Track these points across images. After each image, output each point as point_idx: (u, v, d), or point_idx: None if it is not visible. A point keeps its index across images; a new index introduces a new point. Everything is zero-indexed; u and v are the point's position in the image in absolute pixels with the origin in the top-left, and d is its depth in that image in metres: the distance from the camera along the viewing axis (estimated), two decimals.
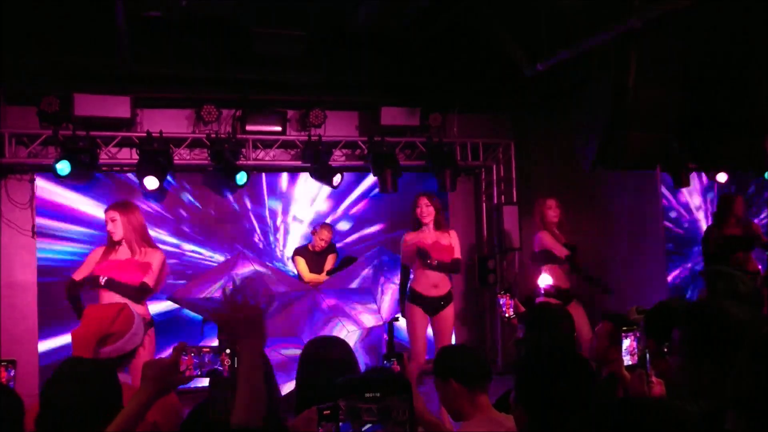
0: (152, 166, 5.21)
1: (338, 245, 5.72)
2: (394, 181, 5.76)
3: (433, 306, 4.74)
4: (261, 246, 6.03)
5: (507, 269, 6.54)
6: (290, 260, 5.72)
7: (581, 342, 4.52)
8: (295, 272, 5.48)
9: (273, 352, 4.67)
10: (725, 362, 1.59)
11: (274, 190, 6.13)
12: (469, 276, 6.64)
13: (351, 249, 6.02)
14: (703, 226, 6.09)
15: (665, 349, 1.91)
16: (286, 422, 1.88)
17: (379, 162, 5.80)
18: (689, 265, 6.19)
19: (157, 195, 5.56)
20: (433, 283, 4.70)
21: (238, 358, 1.46)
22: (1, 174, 5.36)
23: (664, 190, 5.77)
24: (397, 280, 4.95)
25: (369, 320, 5.01)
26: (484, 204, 6.69)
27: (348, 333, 4.89)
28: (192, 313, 4.99)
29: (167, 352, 1.69)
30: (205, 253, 5.87)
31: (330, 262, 5.41)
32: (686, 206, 6.33)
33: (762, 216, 6.13)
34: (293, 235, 6.12)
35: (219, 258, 5.74)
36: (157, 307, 4.92)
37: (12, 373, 2.21)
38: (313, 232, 5.49)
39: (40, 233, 5.40)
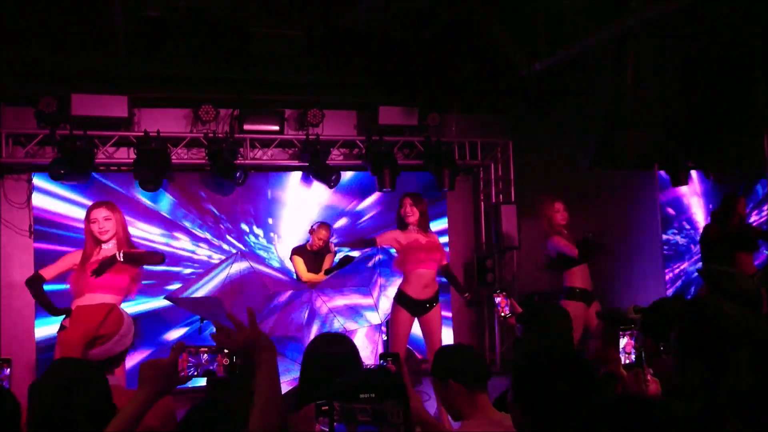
0: (149, 166, 5.20)
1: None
2: (392, 180, 5.76)
3: (421, 307, 4.71)
4: (260, 245, 6.03)
5: (505, 268, 6.54)
6: (288, 259, 5.71)
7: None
8: (294, 271, 5.47)
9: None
10: (720, 361, 1.60)
11: (272, 190, 6.12)
12: (468, 275, 6.64)
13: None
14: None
15: (662, 348, 1.91)
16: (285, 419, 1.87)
17: (378, 161, 5.80)
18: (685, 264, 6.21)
19: (154, 195, 5.55)
20: (425, 284, 4.69)
21: (257, 372, 1.46)
22: None
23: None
24: (397, 281, 4.94)
25: (367, 319, 5.01)
26: (482, 203, 6.69)
27: (345, 333, 4.89)
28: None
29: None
30: (203, 252, 5.86)
31: (328, 261, 5.41)
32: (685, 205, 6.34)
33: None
34: (292, 234, 6.11)
35: (217, 258, 5.73)
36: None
37: (7, 372, 2.20)
38: (311, 232, 5.48)
39: (37, 233, 5.39)
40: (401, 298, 4.68)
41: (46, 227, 5.41)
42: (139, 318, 5.21)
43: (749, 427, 1.42)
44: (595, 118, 5.11)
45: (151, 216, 5.72)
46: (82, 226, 4.21)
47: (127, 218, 5.57)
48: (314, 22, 4.91)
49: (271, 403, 1.42)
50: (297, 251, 5.48)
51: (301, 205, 6.16)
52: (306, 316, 4.73)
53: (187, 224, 5.83)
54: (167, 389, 1.58)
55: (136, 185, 5.39)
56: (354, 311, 4.97)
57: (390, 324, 4.77)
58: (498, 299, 3.38)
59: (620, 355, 2.19)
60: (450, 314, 6.44)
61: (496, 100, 6.43)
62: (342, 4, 4.58)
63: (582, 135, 5.26)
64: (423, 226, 4.84)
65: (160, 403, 1.61)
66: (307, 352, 2.12)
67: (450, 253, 6.44)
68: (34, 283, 3.97)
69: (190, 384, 1.72)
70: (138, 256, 4.02)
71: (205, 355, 1.63)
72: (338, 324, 4.90)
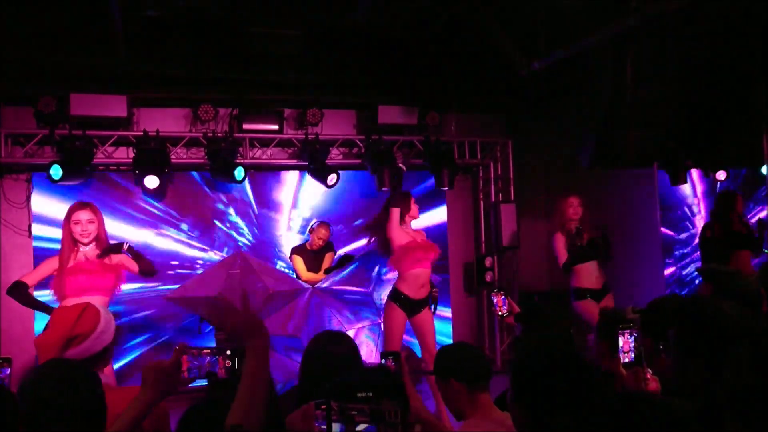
0: (148, 165, 5.19)
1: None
2: (391, 179, 5.76)
3: (416, 307, 4.71)
4: (259, 245, 6.02)
5: (505, 268, 6.54)
6: (288, 259, 5.71)
7: None
8: (294, 271, 5.47)
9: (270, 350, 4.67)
10: (719, 360, 1.60)
11: (271, 189, 6.12)
12: (467, 275, 6.64)
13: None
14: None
15: (661, 347, 1.91)
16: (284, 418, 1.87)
17: (377, 161, 5.80)
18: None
19: (154, 194, 5.55)
20: (421, 283, 4.69)
21: (245, 359, 1.45)
22: None
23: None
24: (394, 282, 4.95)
25: (366, 318, 5.02)
26: (481, 202, 6.69)
27: (346, 331, 4.89)
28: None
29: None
30: (203, 252, 5.86)
31: (328, 260, 5.41)
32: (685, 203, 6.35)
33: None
34: (291, 233, 6.11)
35: (216, 257, 5.73)
36: None
37: (7, 372, 2.20)
38: (311, 231, 5.48)
39: (36, 233, 5.39)
40: (397, 297, 4.68)
41: (45, 227, 5.41)
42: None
43: (748, 425, 1.42)
44: (595, 117, 5.10)
45: (150, 216, 5.71)
46: None
47: (127, 217, 5.61)
48: (313, 21, 4.91)
49: (255, 392, 1.40)
50: (296, 250, 5.48)
51: (300, 205, 6.16)
52: (306, 315, 4.73)
53: (187, 224, 5.82)
54: (170, 391, 1.57)
55: (136, 185, 5.39)
56: (354, 310, 4.97)
57: (384, 322, 4.77)
58: (496, 298, 3.39)
59: (619, 354, 2.20)
60: (450, 314, 6.45)
61: (496, 100, 6.43)
62: (341, 3, 4.58)
63: (581, 134, 5.25)
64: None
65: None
66: (307, 350, 2.12)
67: (449, 253, 6.45)
68: (17, 290, 3.93)
69: (190, 384, 1.72)
70: (140, 256, 4.01)
71: (207, 356, 1.63)
72: (338, 323, 4.90)
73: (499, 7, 4.68)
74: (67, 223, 3.97)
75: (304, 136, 5.77)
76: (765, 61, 4.71)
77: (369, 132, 5.97)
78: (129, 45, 4.77)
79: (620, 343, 2.18)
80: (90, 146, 5.20)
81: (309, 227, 5.59)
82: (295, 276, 5.35)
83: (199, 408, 1.71)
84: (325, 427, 1.50)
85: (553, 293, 6.05)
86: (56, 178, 4.95)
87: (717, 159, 5.66)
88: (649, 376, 2.04)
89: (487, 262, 6.36)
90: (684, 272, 6.31)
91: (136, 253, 3.96)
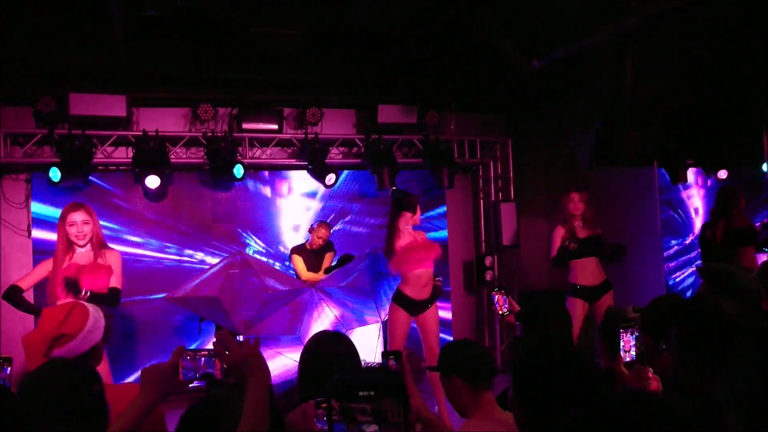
0: (148, 165, 5.19)
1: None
2: (391, 178, 5.76)
3: (420, 307, 4.70)
4: (260, 244, 6.02)
5: (505, 267, 6.55)
6: (288, 258, 5.70)
7: None
8: (294, 270, 5.47)
9: (270, 350, 4.68)
10: (720, 359, 1.60)
11: (271, 189, 6.12)
12: (467, 274, 6.64)
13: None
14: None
15: (663, 347, 1.91)
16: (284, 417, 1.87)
17: (377, 160, 5.80)
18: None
19: (154, 194, 5.54)
20: (423, 283, 4.67)
21: (245, 394, 1.45)
22: None
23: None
24: (395, 280, 4.94)
25: (366, 318, 5.02)
26: (481, 201, 6.69)
27: (346, 331, 4.89)
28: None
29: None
30: (203, 252, 5.85)
31: (328, 260, 5.41)
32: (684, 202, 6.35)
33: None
34: (291, 232, 6.11)
35: (216, 257, 5.72)
36: None
37: (8, 371, 2.19)
38: (311, 230, 5.48)
39: (35, 233, 5.39)
40: (400, 299, 4.66)
41: (44, 227, 5.40)
42: None
43: (749, 424, 1.42)
44: (595, 116, 5.11)
45: (150, 216, 5.71)
46: None
47: (126, 217, 5.61)
48: (313, 21, 4.91)
49: (257, 425, 1.41)
50: (296, 250, 5.48)
51: (300, 204, 6.16)
52: (306, 314, 4.73)
53: (186, 224, 5.82)
54: (168, 392, 1.58)
55: (136, 182, 5.39)
56: (354, 310, 4.97)
57: (388, 324, 4.76)
58: (496, 297, 3.39)
59: (621, 353, 2.20)
60: (450, 314, 6.45)
61: (496, 99, 6.43)
62: (341, 3, 4.58)
63: (581, 133, 5.26)
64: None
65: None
66: (305, 350, 2.12)
67: (449, 252, 6.45)
68: (12, 295, 3.91)
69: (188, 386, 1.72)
70: (97, 298, 3.82)
71: (204, 358, 1.63)
72: (338, 322, 4.90)
73: (499, 6, 4.68)
74: (62, 225, 3.93)
75: (303, 136, 5.77)
76: (765, 60, 4.71)
77: (369, 131, 5.97)
78: (128, 45, 4.76)
79: (621, 343, 2.18)
80: (89, 146, 5.20)
81: (309, 227, 5.59)
82: (295, 275, 5.35)
83: (198, 408, 1.70)
84: (326, 426, 1.50)
85: (553, 292, 6.05)
86: (55, 180, 4.96)
87: (717, 158, 5.66)
88: (650, 375, 2.04)
89: (487, 261, 6.36)
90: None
91: (96, 296, 3.79)
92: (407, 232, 4.69)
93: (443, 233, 6.51)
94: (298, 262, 5.36)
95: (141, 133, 5.27)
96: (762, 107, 5.12)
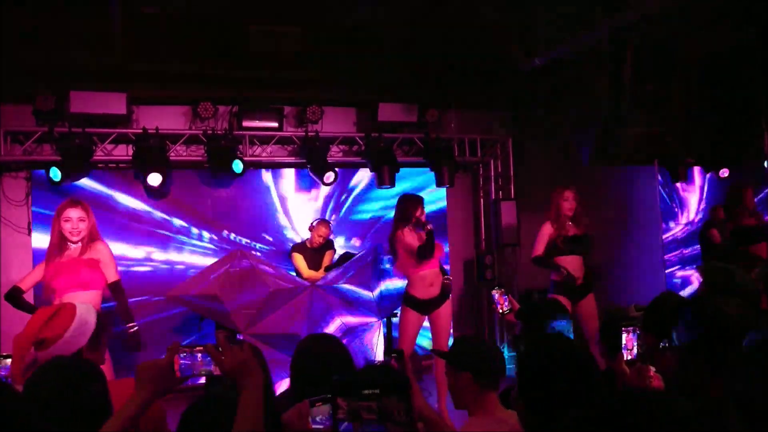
0: (148, 163, 5.19)
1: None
2: (391, 177, 5.76)
3: (431, 305, 4.69)
4: (260, 242, 6.02)
5: (505, 265, 6.54)
6: (288, 256, 5.70)
7: (589, 336, 4.51)
8: (294, 268, 5.47)
9: (270, 348, 4.67)
10: (720, 358, 1.60)
11: (271, 187, 6.11)
12: (467, 272, 6.64)
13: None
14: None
15: (666, 345, 1.91)
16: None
17: (377, 158, 5.79)
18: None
19: (155, 192, 5.54)
20: (429, 283, 4.66)
21: (240, 397, 1.45)
22: None
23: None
24: (395, 278, 4.93)
25: (367, 317, 5.01)
26: (482, 200, 6.69)
27: (346, 329, 4.88)
28: None
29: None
30: (203, 251, 5.85)
31: (328, 258, 5.41)
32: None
33: None
34: (292, 231, 6.11)
35: (217, 255, 5.72)
36: None
37: (8, 368, 2.19)
38: (311, 229, 5.48)
39: (36, 231, 5.38)
40: (408, 300, 4.67)
41: (44, 225, 5.40)
42: None
43: (750, 423, 1.42)
44: (595, 113, 5.10)
45: (150, 214, 5.71)
46: None
47: (126, 216, 5.60)
48: (313, 18, 4.90)
49: (250, 429, 1.41)
50: (297, 248, 5.47)
51: (300, 203, 6.16)
52: (306, 312, 4.73)
53: (187, 222, 5.81)
54: (165, 390, 1.56)
55: (135, 178, 5.38)
56: (355, 308, 4.97)
57: (399, 324, 4.77)
58: (496, 296, 3.38)
59: (622, 352, 2.20)
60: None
61: (496, 97, 6.42)
62: (341, 1, 4.57)
63: (582, 131, 5.25)
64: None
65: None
66: (296, 353, 2.14)
67: (450, 250, 6.45)
68: (14, 296, 3.94)
69: (189, 381, 1.72)
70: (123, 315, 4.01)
71: (200, 354, 1.62)
72: (338, 321, 4.90)
73: (499, 4, 4.67)
74: (57, 221, 3.96)
75: (304, 134, 5.76)
76: (765, 58, 4.70)
77: (369, 129, 5.96)
78: (128, 42, 4.75)
79: (623, 341, 2.18)
80: (89, 144, 5.19)
81: (309, 225, 5.58)
82: (295, 274, 5.35)
83: (199, 406, 1.70)
84: (321, 424, 1.50)
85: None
86: (56, 180, 4.97)
87: (717, 157, 5.66)
88: (651, 374, 2.05)
89: (488, 259, 6.36)
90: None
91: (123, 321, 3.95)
92: (410, 235, 4.68)
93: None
94: (299, 260, 5.36)
95: (141, 131, 5.27)
96: (763, 105, 5.12)
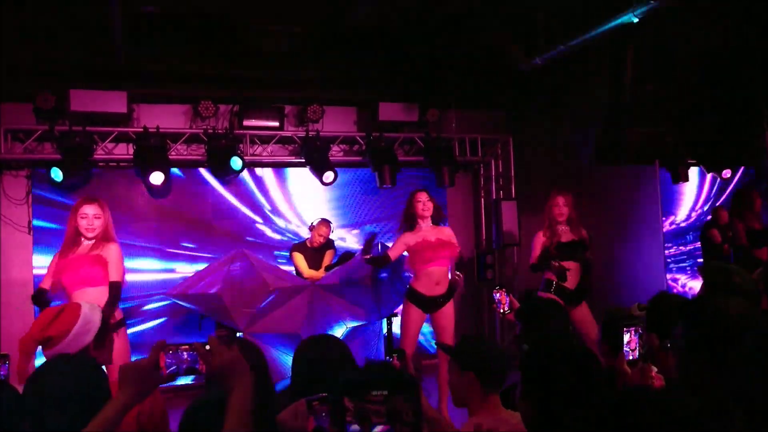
0: (149, 162, 5.18)
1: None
2: (392, 176, 5.76)
3: (434, 304, 4.69)
4: (259, 242, 6.02)
5: (505, 265, 6.54)
6: (288, 256, 5.70)
7: (589, 340, 4.48)
8: (294, 268, 5.46)
9: (270, 347, 4.67)
10: (724, 358, 1.60)
11: (272, 186, 6.11)
12: (468, 272, 6.63)
13: None
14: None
15: (668, 345, 1.91)
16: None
17: (378, 158, 5.79)
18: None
19: (157, 191, 5.54)
20: (435, 281, 4.65)
21: (228, 399, 1.44)
22: None
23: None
24: (395, 277, 4.93)
25: (367, 316, 5.01)
26: (482, 199, 6.68)
27: (347, 328, 4.89)
28: None
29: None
30: (203, 249, 5.85)
31: (328, 257, 5.40)
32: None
33: None
34: (292, 230, 6.10)
35: (217, 254, 5.72)
36: None
37: (5, 368, 2.20)
38: (311, 228, 5.48)
39: (36, 229, 5.38)
40: (412, 296, 4.65)
41: (45, 223, 5.40)
42: None
43: (753, 422, 1.42)
44: (596, 114, 5.10)
45: (150, 213, 5.70)
46: None
47: (126, 214, 5.60)
48: (314, 18, 4.90)
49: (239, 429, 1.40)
50: (297, 248, 5.47)
51: (300, 202, 6.15)
52: (307, 311, 4.73)
53: (187, 221, 5.81)
54: (148, 390, 1.54)
55: (136, 182, 5.38)
56: (355, 308, 4.97)
57: (401, 321, 4.75)
58: (497, 296, 3.38)
59: (624, 351, 2.20)
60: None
61: (497, 96, 6.42)
62: (342, 0, 4.57)
63: (582, 131, 5.25)
64: (437, 220, 4.79)
65: (149, 403, 1.58)
66: (296, 354, 2.14)
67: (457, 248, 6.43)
68: (40, 298, 3.94)
69: (191, 381, 1.72)
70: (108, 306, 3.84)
71: (186, 353, 1.61)
72: (339, 320, 4.90)
73: (499, 3, 4.67)
74: (73, 216, 3.99)
75: (304, 133, 5.76)
76: (766, 57, 4.71)
77: (370, 129, 5.96)
78: (129, 41, 4.75)
79: (626, 340, 2.18)
80: (90, 142, 5.19)
81: (310, 224, 5.58)
82: (296, 273, 5.35)
83: (199, 406, 1.70)
84: (322, 423, 1.49)
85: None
86: (58, 180, 4.97)
87: (718, 157, 5.66)
88: (653, 374, 2.04)
89: (488, 259, 6.36)
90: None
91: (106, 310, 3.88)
92: (415, 233, 4.67)
93: None
94: (299, 259, 5.35)
95: (142, 130, 5.26)
96: (763, 104, 5.12)
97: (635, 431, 1.17)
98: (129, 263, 5.48)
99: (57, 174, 4.97)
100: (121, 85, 5.27)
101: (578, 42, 4.46)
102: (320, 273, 5.18)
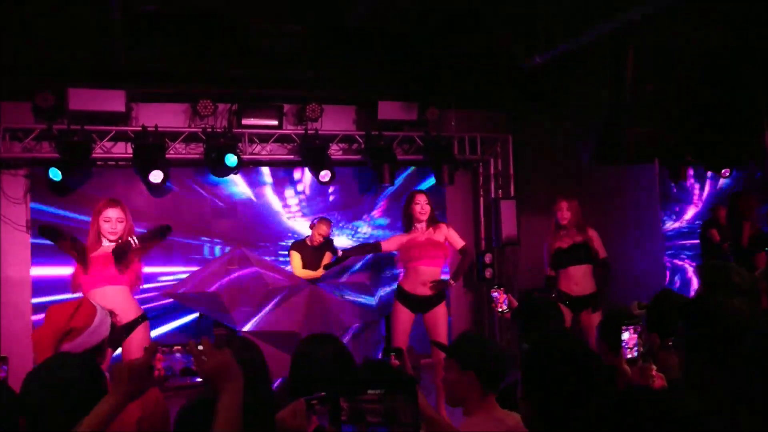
0: (147, 161, 5.17)
1: None
2: (391, 175, 5.75)
3: (422, 304, 4.67)
4: (259, 241, 6.00)
5: (504, 264, 6.54)
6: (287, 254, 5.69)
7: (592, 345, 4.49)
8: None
9: (268, 346, 4.66)
10: (724, 357, 1.59)
11: (271, 185, 6.10)
12: (467, 271, 6.63)
13: None
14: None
15: (670, 344, 1.91)
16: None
17: (377, 156, 5.78)
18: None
19: (156, 190, 5.52)
20: (422, 280, 4.64)
21: (219, 400, 1.43)
22: None
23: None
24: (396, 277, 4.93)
25: (367, 315, 5.01)
26: (481, 198, 6.68)
27: (345, 328, 4.88)
28: None
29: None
30: (202, 248, 5.84)
31: (328, 257, 5.39)
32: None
33: None
34: (292, 230, 6.09)
35: (216, 253, 5.71)
36: None
37: (4, 370, 2.19)
38: (311, 227, 5.47)
39: (34, 229, 5.37)
40: (399, 294, 4.65)
41: (43, 222, 5.38)
42: None
43: (754, 421, 1.42)
44: (596, 112, 5.10)
45: (150, 212, 5.69)
46: (81, 221, 4.20)
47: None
48: (313, 16, 4.89)
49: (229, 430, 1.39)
50: (296, 246, 5.46)
51: (299, 201, 6.14)
52: (306, 310, 4.72)
53: (186, 220, 5.80)
54: (140, 391, 1.53)
55: (135, 180, 5.37)
56: (354, 307, 4.96)
57: (390, 320, 4.75)
58: (495, 295, 3.38)
59: (623, 350, 2.19)
60: (449, 311, 6.44)
61: (496, 95, 6.41)
62: None
63: (582, 130, 5.25)
64: (432, 222, 4.81)
65: (147, 396, 1.57)
66: (294, 354, 2.13)
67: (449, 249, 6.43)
68: (51, 230, 4.16)
69: (190, 381, 1.71)
70: (149, 237, 4.17)
71: (179, 354, 1.60)
72: (337, 319, 4.89)
73: (499, 2, 4.66)
74: (96, 219, 4.08)
75: (303, 132, 5.75)
76: (766, 57, 4.71)
77: (369, 127, 5.95)
78: (127, 40, 4.74)
79: (625, 338, 2.17)
80: (88, 141, 5.18)
81: (310, 223, 5.57)
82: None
83: (194, 405, 1.69)
84: (323, 422, 1.48)
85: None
86: (56, 180, 4.97)
87: (718, 156, 5.66)
88: (653, 373, 2.04)
89: (487, 258, 6.35)
90: None
91: (145, 237, 4.03)
92: (418, 230, 4.69)
93: None
94: (295, 258, 5.33)
95: (140, 129, 5.25)
96: (762, 107, 5.12)
97: (636, 431, 1.16)
98: None
99: (56, 173, 4.96)
100: (120, 84, 5.26)
101: (578, 41, 4.45)
102: (318, 273, 5.17)
